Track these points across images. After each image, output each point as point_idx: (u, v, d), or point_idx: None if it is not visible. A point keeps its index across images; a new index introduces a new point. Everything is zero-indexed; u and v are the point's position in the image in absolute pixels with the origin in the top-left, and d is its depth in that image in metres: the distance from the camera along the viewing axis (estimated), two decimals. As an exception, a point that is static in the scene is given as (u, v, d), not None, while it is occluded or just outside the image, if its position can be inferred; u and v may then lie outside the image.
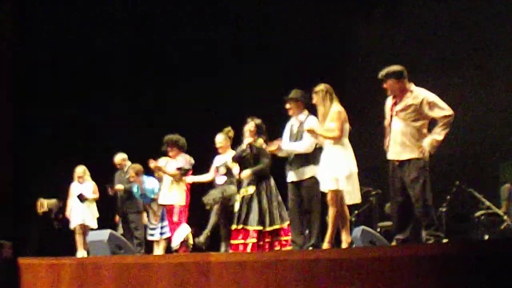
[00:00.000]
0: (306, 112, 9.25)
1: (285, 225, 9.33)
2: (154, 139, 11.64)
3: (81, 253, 12.74)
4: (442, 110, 7.82)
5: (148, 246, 12.22)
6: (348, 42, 13.34)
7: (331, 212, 8.34)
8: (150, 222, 12.08)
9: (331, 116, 8.37)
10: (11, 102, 16.06)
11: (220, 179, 10.54)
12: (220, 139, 10.63)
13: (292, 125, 9.33)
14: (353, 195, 8.43)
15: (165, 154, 11.30)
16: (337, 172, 8.22)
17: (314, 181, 8.89)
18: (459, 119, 8.06)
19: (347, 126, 8.43)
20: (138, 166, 12.02)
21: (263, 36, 14.25)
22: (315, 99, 8.57)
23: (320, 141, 8.65)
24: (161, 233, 11.76)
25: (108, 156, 13.08)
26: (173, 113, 14.44)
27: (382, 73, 8.09)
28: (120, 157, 12.89)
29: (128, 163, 12.80)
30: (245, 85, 13.72)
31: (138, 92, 15.57)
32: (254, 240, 9.13)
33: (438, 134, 7.81)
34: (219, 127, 10.83)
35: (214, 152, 10.79)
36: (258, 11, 14.34)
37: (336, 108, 8.40)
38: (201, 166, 11.12)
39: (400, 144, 7.93)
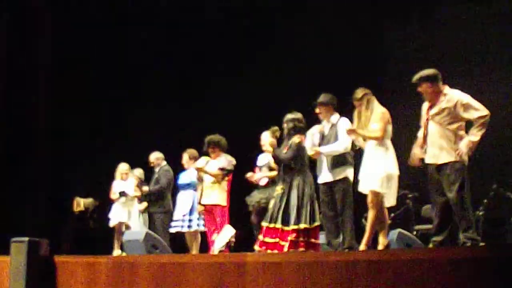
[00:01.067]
0: (337, 114, 9.25)
1: (314, 226, 9.22)
2: (194, 139, 11.69)
3: (116, 252, 12.77)
4: (477, 111, 7.78)
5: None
6: (384, 46, 13.28)
7: (370, 214, 8.32)
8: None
9: (375, 117, 8.33)
10: (47, 102, 16.21)
11: (263, 180, 10.50)
12: (265, 138, 10.54)
13: (323, 126, 9.34)
14: (389, 198, 8.41)
15: (207, 154, 11.30)
16: (378, 174, 8.19)
17: (346, 182, 8.89)
18: (498, 120, 8.01)
19: (390, 128, 8.41)
20: (193, 151, 12.00)
21: (298, 40, 14.23)
22: (358, 106, 8.57)
23: (360, 143, 8.63)
24: (189, 226, 11.79)
25: (145, 155, 13.12)
26: (213, 113, 14.45)
27: (416, 77, 8.09)
28: (154, 156, 12.91)
29: (163, 162, 12.84)
30: (282, 88, 13.74)
31: (178, 90, 15.63)
32: (292, 238, 9.09)
33: (474, 136, 7.78)
34: (258, 127, 10.82)
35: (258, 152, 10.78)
36: (295, 13, 14.34)
37: (380, 109, 8.38)
38: (242, 166, 11.09)
39: (437, 147, 7.91)
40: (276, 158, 9.58)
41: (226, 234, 10.68)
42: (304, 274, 7.71)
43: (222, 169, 10.95)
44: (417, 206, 11.88)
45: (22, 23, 16.07)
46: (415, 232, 11.50)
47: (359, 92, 8.63)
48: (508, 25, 11.83)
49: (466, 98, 7.87)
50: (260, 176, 10.56)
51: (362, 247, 8.29)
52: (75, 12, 16.14)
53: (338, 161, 9.05)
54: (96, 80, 15.80)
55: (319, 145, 9.27)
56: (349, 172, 9.04)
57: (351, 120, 9.05)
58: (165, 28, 15.87)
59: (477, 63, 11.96)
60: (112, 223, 13.16)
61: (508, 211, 11.21)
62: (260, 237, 9.35)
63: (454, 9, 12.47)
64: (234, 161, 11.05)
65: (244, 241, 10.67)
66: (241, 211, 10.76)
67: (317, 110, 9.30)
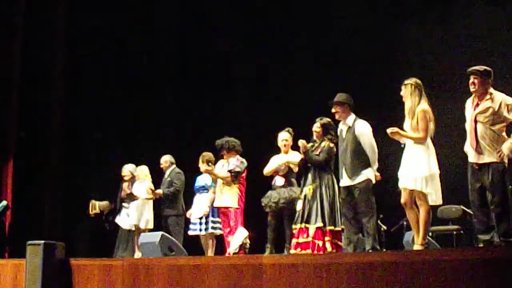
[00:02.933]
0: (353, 115, 9.22)
1: (339, 228, 9.30)
2: (207, 141, 11.71)
3: (136, 254, 12.77)
4: None
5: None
6: (402, 46, 13.26)
7: (422, 211, 8.20)
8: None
9: (417, 115, 8.22)
10: (62, 104, 16.27)
11: (280, 181, 10.47)
12: (286, 137, 10.51)
13: (341, 130, 9.31)
14: (434, 196, 8.31)
15: (222, 157, 11.34)
16: (419, 172, 8.10)
17: (369, 183, 8.86)
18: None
19: (432, 126, 8.26)
20: (209, 155, 12.03)
21: (317, 41, 14.23)
22: (403, 91, 8.38)
23: (403, 139, 8.47)
24: (206, 229, 11.83)
25: (157, 157, 13.14)
26: (228, 115, 14.48)
27: (474, 68, 7.99)
28: (165, 159, 12.95)
29: (174, 165, 12.88)
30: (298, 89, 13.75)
31: (192, 94, 15.66)
32: (329, 239, 9.14)
33: None
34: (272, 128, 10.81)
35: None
36: (315, 14, 14.36)
37: (422, 106, 8.18)
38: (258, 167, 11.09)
39: (480, 147, 7.86)
40: (309, 160, 9.57)
41: (239, 236, 10.67)
42: (320, 276, 7.70)
43: (230, 171, 10.94)
44: (433, 207, 11.83)
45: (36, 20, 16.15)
46: (430, 234, 11.47)
47: (407, 81, 8.33)
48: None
49: (510, 99, 7.84)
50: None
51: (418, 246, 8.17)
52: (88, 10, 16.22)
53: (357, 164, 8.99)
54: (112, 82, 15.83)
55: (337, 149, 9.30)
56: (370, 174, 9.00)
57: (370, 122, 9.03)
58: (181, 26, 15.94)
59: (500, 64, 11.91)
60: (128, 225, 13.14)
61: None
62: (294, 240, 9.41)
63: (471, 8, 12.43)
64: (245, 163, 11.02)
65: (260, 242, 10.65)
66: (256, 213, 10.73)
67: (333, 110, 9.24)
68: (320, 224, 9.19)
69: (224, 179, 11.02)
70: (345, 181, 9.06)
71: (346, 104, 9.21)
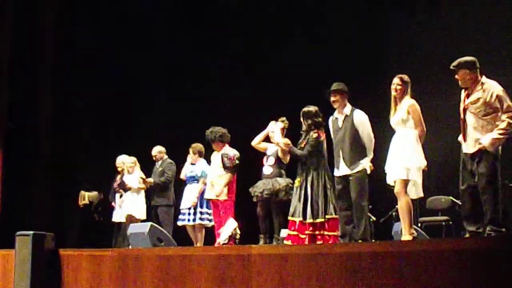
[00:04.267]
0: (349, 105, 9.22)
1: (328, 219, 9.27)
2: (198, 131, 11.70)
3: None
4: (507, 106, 7.74)
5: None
6: (390, 35, 13.26)
7: (402, 202, 8.22)
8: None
9: (407, 110, 8.25)
10: (52, 95, 16.23)
11: (268, 169, 10.46)
12: (274, 127, 10.53)
13: (335, 119, 9.30)
14: (418, 189, 8.35)
15: (210, 146, 11.32)
16: (409, 163, 8.13)
17: (364, 173, 8.86)
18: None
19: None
20: (199, 145, 12.05)
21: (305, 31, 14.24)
22: (394, 85, 8.46)
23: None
24: (194, 219, 11.86)
25: (149, 148, 13.13)
26: (218, 106, 14.47)
27: (454, 63, 8.00)
28: (157, 150, 12.95)
29: (165, 156, 12.88)
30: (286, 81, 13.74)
31: (183, 84, 15.69)
32: (309, 232, 9.18)
33: (498, 133, 7.72)
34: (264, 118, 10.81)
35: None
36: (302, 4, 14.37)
37: (411, 101, 8.29)
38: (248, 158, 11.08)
39: (472, 139, 7.86)
40: (293, 157, 9.58)
41: (229, 227, 10.69)
42: (309, 266, 7.70)
43: (229, 158, 10.87)
44: (421, 198, 11.86)
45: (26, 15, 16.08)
46: (419, 224, 11.51)
47: (400, 74, 8.49)
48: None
49: (500, 89, 7.81)
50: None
51: (407, 236, 8.19)
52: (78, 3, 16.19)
53: (356, 153, 9.00)
54: (102, 73, 15.80)
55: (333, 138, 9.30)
56: (366, 164, 9.01)
57: (366, 111, 9.03)
58: (172, 20, 15.94)
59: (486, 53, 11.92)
60: (120, 218, 13.13)
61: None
62: (287, 231, 9.50)
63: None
64: (237, 153, 11.01)
65: (251, 233, 10.65)
66: (246, 204, 10.73)
67: (332, 98, 9.20)
68: (301, 218, 9.24)
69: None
70: (342, 170, 9.05)
71: (345, 93, 9.22)
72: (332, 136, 9.34)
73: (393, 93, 8.49)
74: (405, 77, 8.48)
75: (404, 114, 8.29)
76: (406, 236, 8.17)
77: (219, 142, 11.14)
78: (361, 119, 9.06)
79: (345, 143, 9.05)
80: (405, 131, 8.32)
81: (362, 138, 9.03)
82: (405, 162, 8.18)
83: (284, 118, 10.54)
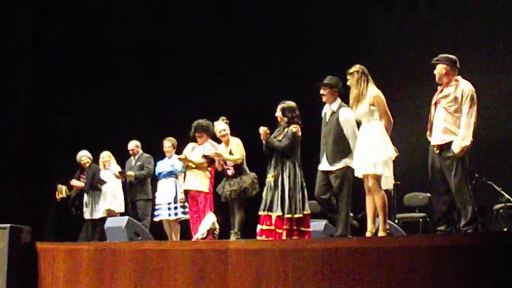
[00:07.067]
0: (339, 100, 9.13)
1: (299, 215, 9.15)
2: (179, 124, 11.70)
3: None
4: (468, 107, 7.78)
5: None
6: (369, 33, 13.29)
7: (377, 198, 8.22)
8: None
9: (372, 100, 8.23)
10: (31, 87, 16.15)
11: (229, 171, 10.37)
12: (224, 127, 10.54)
13: (325, 113, 9.22)
14: (388, 181, 8.34)
15: (193, 139, 11.21)
16: (376, 158, 8.12)
17: (347, 170, 8.82)
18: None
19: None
20: (172, 140, 12.07)
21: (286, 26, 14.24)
22: (350, 80, 8.41)
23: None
24: (175, 214, 11.85)
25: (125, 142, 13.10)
26: (193, 100, 14.45)
27: (437, 57, 8.05)
28: (133, 144, 12.91)
29: (141, 150, 12.85)
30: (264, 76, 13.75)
31: (156, 77, 15.69)
32: (287, 227, 9.09)
33: (464, 139, 7.75)
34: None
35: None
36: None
37: (375, 91, 8.25)
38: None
39: (441, 130, 7.88)
40: (269, 146, 9.50)
41: (208, 221, 10.65)
42: (286, 261, 7.72)
43: (205, 156, 10.82)
44: (399, 194, 11.92)
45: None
46: (396, 221, 11.55)
47: (352, 69, 8.42)
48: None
49: (470, 91, 7.83)
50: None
51: (381, 233, 8.16)
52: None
53: (338, 151, 8.91)
54: (82, 67, 15.73)
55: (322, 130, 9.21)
56: (349, 161, 8.84)
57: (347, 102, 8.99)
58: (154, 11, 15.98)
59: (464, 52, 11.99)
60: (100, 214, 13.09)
61: (490, 200, 11.28)
62: (259, 226, 9.41)
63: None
64: (219, 148, 10.91)
65: (228, 228, 10.64)
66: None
67: (321, 91, 9.09)
68: (279, 213, 9.15)
69: (200, 165, 10.91)
70: (324, 165, 8.99)
71: (335, 88, 9.10)
72: (322, 129, 9.27)
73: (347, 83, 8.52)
74: (357, 67, 8.47)
75: (367, 106, 8.27)
76: (380, 233, 8.17)
77: (205, 134, 11.02)
78: (347, 117, 8.89)
79: (329, 139, 8.98)
80: (370, 124, 8.29)
81: (347, 137, 8.93)
82: (372, 157, 8.16)
83: (224, 117, 10.56)
